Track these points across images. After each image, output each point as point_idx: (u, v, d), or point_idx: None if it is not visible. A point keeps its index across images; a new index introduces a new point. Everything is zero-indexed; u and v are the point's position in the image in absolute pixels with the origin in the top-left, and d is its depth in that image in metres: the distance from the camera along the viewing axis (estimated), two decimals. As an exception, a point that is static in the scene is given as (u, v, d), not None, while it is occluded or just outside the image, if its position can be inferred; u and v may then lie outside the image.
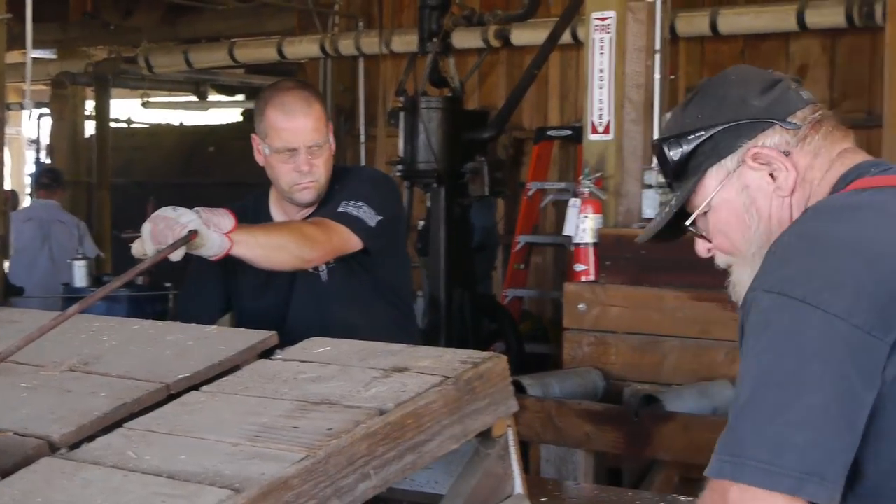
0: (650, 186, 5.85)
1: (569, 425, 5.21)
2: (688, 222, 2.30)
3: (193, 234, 3.33)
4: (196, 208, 3.43)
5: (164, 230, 3.34)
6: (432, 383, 2.56)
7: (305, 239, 3.68)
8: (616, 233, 5.80)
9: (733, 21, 9.06)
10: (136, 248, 3.42)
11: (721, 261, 2.33)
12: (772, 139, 2.21)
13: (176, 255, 3.35)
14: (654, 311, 5.51)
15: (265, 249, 3.59)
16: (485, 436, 2.71)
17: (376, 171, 4.83)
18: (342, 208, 3.81)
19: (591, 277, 5.83)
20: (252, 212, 4.03)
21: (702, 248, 2.34)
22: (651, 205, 5.79)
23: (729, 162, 2.23)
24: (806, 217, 2.14)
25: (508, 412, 2.76)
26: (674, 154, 2.28)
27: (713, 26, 9.05)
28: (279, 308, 3.93)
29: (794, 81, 2.30)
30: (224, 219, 3.45)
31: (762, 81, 2.27)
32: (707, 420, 5.06)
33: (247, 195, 4.18)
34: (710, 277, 5.30)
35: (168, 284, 8.59)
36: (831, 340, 1.94)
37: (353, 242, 3.79)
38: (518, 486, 2.80)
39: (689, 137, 2.26)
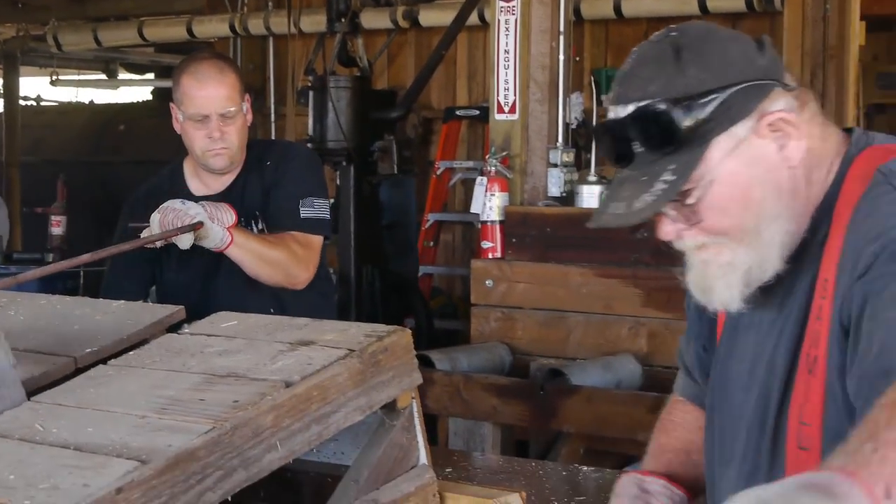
0: (555, 165, 5.93)
1: (476, 399, 5.28)
2: (690, 200, 2.00)
3: (199, 224, 3.58)
4: (201, 202, 3.68)
5: (174, 220, 3.57)
6: (337, 356, 2.60)
7: (297, 259, 3.88)
8: (522, 210, 5.87)
9: (636, 4, 9.13)
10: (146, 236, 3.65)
11: (693, 242, 2.08)
12: (778, 103, 2.00)
13: (184, 243, 3.59)
14: (560, 287, 5.60)
15: (260, 259, 3.80)
16: (390, 408, 2.75)
17: (304, 148, 4.94)
18: (304, 213, 3.98)
19: (498, 254, 5.91)
20: (168, 183, 4.09)
21: (671, 229, 2.07)
22: (556, 183, 5.87)
23: (740, 129, 1.98)
24: None
25: (413, 384, 2.80)
26: (688, 121, 1.96)
27: (617, 9, 9.12)
28: (204, 280, 4.00)
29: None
30: (226, 213, 3.67)
31: (747, 37, 2.05)
32: (610, 393, 5.16)
33: (161, 169, 4.25)
34: (614, 254, 5.43)
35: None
36: None
37: (321, 243, 4.02)
38: (423, 456, 2.84)
39: (702, 101, 1.96)
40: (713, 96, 1.95)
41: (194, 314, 3.02)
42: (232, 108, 3.96)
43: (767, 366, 2.14)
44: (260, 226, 4.02)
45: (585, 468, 3.28)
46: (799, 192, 2.04)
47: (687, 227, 2.04)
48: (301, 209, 3.98)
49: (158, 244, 3.68)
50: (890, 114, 9.91)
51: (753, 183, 1.99)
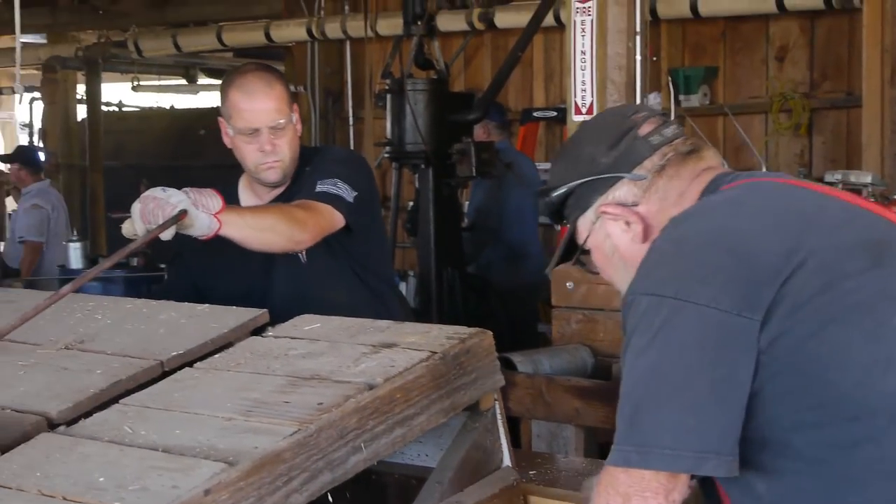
0: (635, 165, 5.88)
1: (559, 401, 5.25)
2: (570, 263, 2.57)
3: (183, 213, 3.35)
4: (185, 189, 3.45)
5: (154, 210, 3.36)
6: (420, 358, 2.61)
7: (295, 221, 3.70)
8: (602, 211, 5.84)
9: (713, 3, 9.05)
10: (127, 228, 3.44)
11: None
12: (620, 191, 2.41)
13: (166, 235, 3.37)
14: (641, 288, 5.55)
15: (255, 230, 3.61)
16: (472, 409, 2.76)
17: (345, 149, 4.88)
18: (319, 188, 3.82)
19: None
20: (222, 195, 4.06)
21: None
22: (636, 183, 5.82)
23: (591, 214, 2.44)
24: (669, 225, 2.30)
25: (495, 386, 2.81)
26: (545, 204, 2.50)
27: (693, 8, 9.06)
28: (258, 291, 3.94)
29: (658, 118, 2.46)
30: (212, 199, 3.47)
31: (611, 136, 2.43)
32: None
33: (218, 181, 4.20)
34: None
35: (163, 265, 8.62)
36: (705, 328, 2.12)
37: (337, 220, 3.81)
38: (506, 458, 2.85)
39: (553, 193, 2.47)
40: (560, 189, 2.45)
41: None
42: (282, 120, 3.88)
43: None
44: None
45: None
46: None
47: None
48: (318, 185, 3.84)
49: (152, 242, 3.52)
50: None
51: (611, 253, 2.44)
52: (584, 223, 2.46)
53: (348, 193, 3.83)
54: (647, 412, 2.13)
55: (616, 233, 2.42)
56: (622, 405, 2.18)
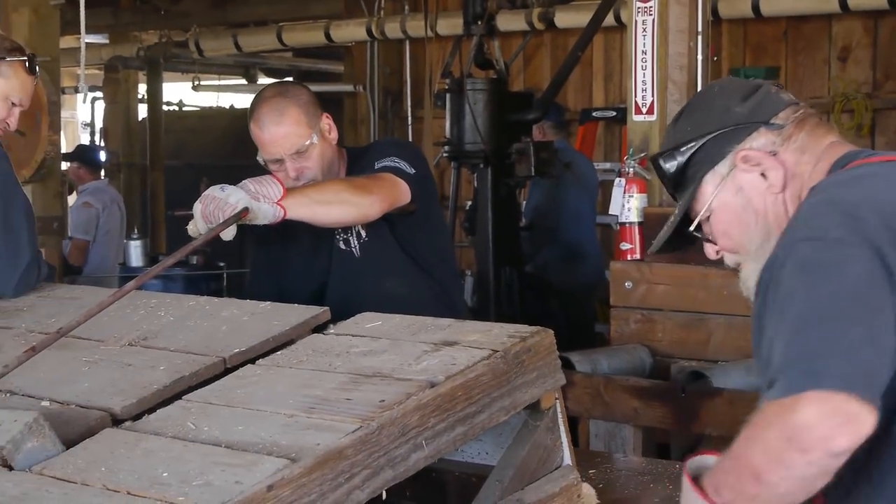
0: (695, 165, 5.85)
1: (617, 401, 5.25)
2: (691, 228, 2.43)
3: (244, 212, 3.34)
4: (244, 182, 3.44)
5: (215, 211, 3.36)
6: (481, 356, 2.62)
7: (361, 189, 3.66)
8: (661, 212, 5.82)
9: (775, 3, 8.99)
10: (191, 228, 3.43)
11: (730, 260, 2.45)
12: (758, 141, 2.37)
13: (228, 235, 3.36)
14: (700, 288, 5.54)
15: (322, 205, 3.58)
16: (533, 408, 2.76)
17: (397, 138, 4.82)
18: (378, 165, 3.80)
19: (637, 256, 5.87)
20: None
21: (710, 251, 2.47)
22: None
23: (721, 167, 2.38)
24: (818, 189, 2.23)
25: (556, 385, 2.81)
26: (670, 166, 2.43)
27: (755, 8, 9.00)
28: (316, 290, 3.95)
29: (775, 86, 2.45)
30: (273, 187, 3.44)
31: (743, 89, 2.42)
32: (753, 396, 5.08)
33: None
34: (756, 255, 5.34)
35: (222, 263, 8.69)
36: (877, 270, 2.03)
37: (403, 190, 3.77)
38: (567, 457, 2.85)
39: (682, 150, 2.41)
40: (690, 144, 2.39)
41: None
42: (305, 143, 3.84)
43: None
44: (364, 233, 3.99)
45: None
46: (788, 212, 2.34)
47: (720, 249, 2.45)
48: (376, 164, 3.80)
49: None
50: None
51: (742, 209, 2.37)
52: (713, 180, 2.38)
53: (408, 167, 3.81)
54: (821, 340, 1.98)
55: (750, 184, 2.36)
56: (778, 349, 2.03)
